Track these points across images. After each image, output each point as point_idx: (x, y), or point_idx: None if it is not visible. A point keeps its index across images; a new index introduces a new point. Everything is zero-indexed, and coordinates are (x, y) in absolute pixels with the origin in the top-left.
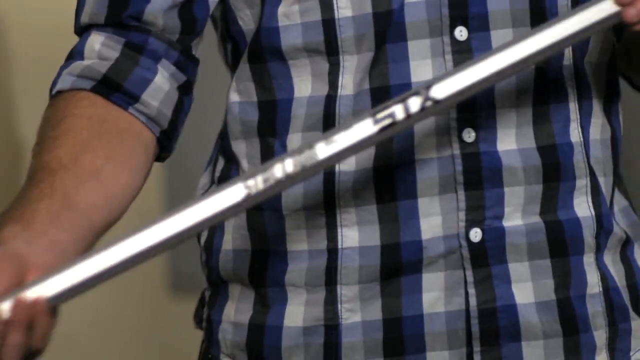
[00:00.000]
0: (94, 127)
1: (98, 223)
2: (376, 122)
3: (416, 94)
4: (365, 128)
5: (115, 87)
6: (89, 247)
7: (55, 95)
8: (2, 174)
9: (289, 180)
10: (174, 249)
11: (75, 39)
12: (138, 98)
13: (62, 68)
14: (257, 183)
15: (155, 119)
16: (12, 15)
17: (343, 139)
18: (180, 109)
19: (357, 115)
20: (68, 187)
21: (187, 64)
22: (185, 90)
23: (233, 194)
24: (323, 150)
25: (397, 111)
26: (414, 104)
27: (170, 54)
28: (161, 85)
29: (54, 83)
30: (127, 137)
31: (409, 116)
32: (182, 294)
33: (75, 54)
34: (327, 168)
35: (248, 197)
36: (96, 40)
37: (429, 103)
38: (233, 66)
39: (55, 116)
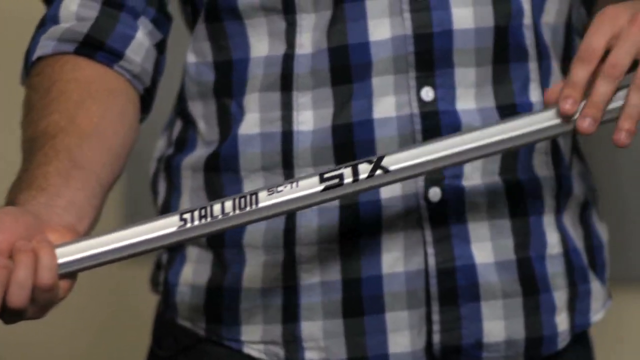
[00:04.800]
0: (83, 89)
1: (105, 179)
2: (322, 180)
3: (368, 161)
4: (310, 185)
5: (98, 46)
6: (101, 205)
7: (36, 62)
8: None
9: (226, 221)
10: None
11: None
12: (122, 55)
13: (38, 34)
14: (193, 218)
15: (139, 76)
16: None
17: (287, 191)
18: (158, 67)
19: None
20: (71, 147)
21: (162, 21)
22: (161, 48)
23: (168, 223)
24: (265, 199)
25: (346, 174)
26: (364, 170)
27: (147, 11)
28: (142, 41)
29: (32, 50)
30: (117, 94)
31: (356, 181)
32: (138, 256)
33: (49, 19)
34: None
35: (182, 230)
36: (72, 3)
37: (378, 172)
38: (192, 28)
39: (43, 84)
